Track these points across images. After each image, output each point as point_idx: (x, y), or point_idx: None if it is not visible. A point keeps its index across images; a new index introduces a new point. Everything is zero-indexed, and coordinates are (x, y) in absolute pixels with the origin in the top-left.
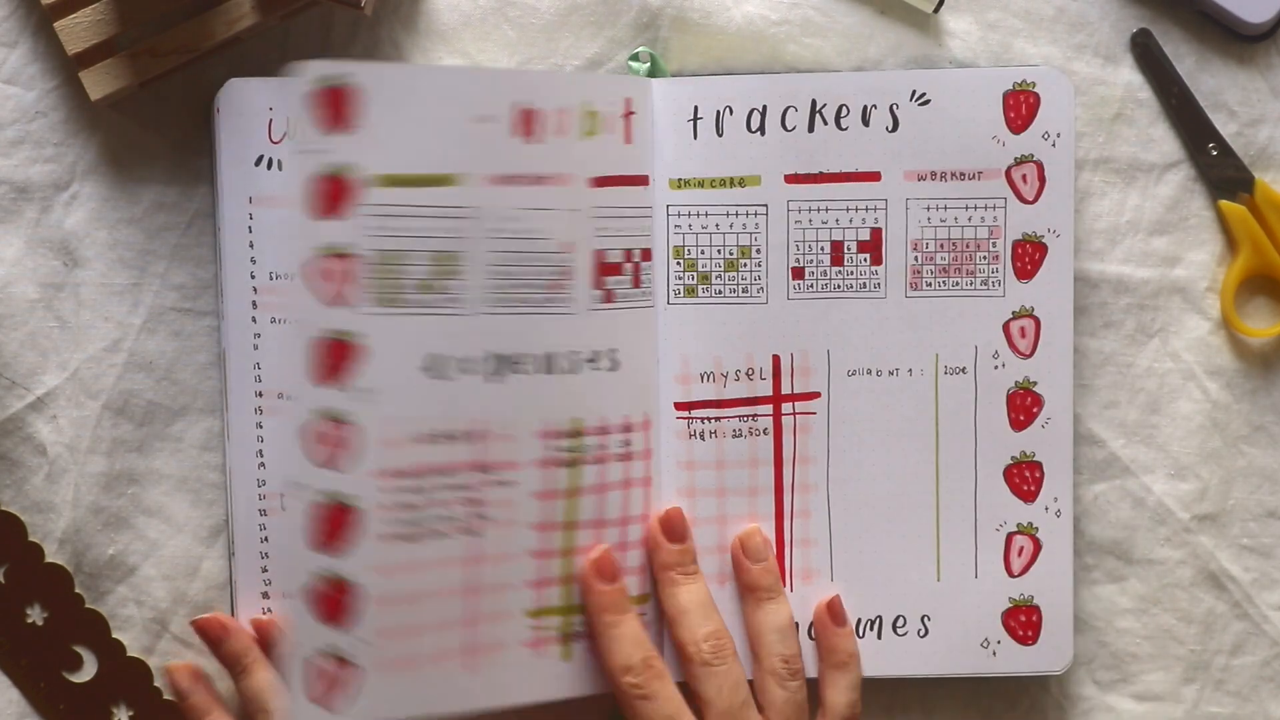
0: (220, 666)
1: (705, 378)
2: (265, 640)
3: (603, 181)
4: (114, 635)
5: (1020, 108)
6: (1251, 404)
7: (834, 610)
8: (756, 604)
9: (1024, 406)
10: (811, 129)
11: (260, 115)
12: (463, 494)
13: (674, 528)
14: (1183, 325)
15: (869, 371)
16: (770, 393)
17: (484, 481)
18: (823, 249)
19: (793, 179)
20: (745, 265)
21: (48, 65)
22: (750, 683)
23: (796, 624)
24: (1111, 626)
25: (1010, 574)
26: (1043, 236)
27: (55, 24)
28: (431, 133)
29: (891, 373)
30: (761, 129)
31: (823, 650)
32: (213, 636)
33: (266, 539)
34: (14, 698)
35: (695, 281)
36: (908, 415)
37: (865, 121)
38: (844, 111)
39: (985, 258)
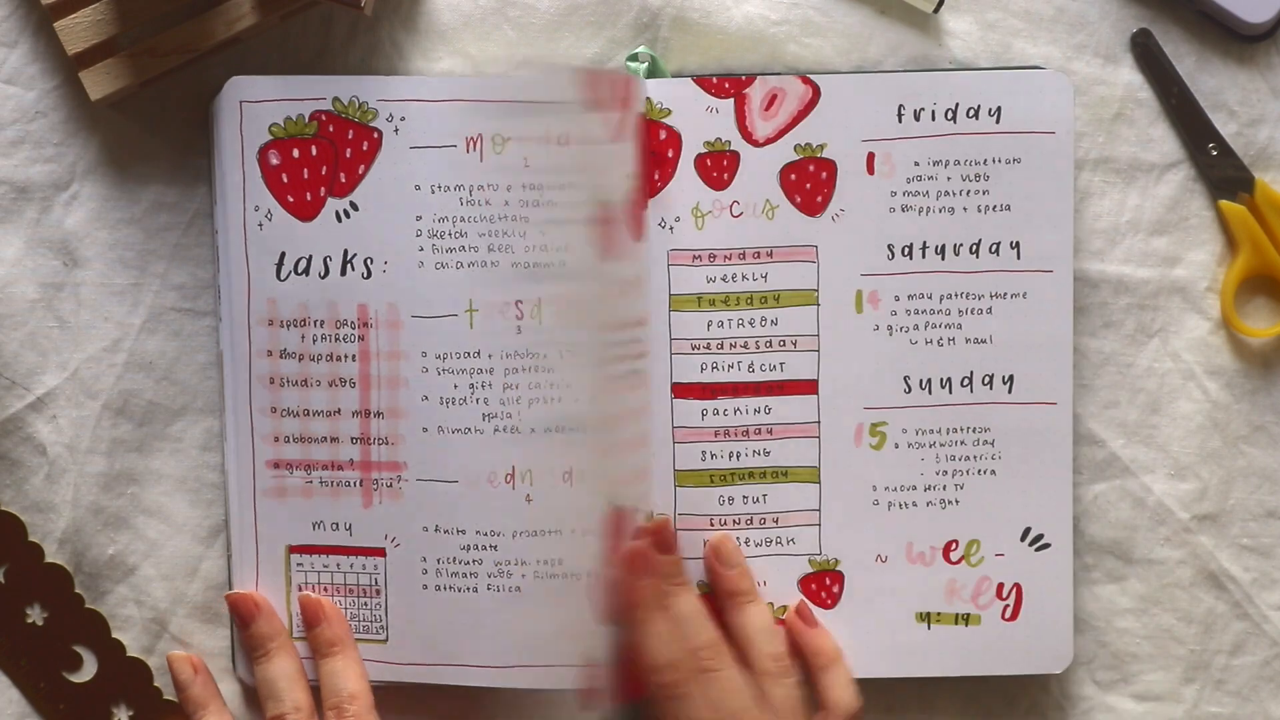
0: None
1: None
2: (309, 619)
3: None
4: (114, 635)
5: None
6: (1251, 404)
7: (803, 613)
8: (738, 608)
9: None
10: None
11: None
12: None
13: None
14: (1183, 325)
15: None
16: None
17: None
18: None
19: None
20: None
21: (48, 65)
22: None
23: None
24: (1111, 626)
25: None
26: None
27: (55, 24)
28: None
29: None
30: None
31: (806, 654)
32: (244, 614)
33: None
34: (14, 698)
35: None
36: None
37: None
38: None
39: None
